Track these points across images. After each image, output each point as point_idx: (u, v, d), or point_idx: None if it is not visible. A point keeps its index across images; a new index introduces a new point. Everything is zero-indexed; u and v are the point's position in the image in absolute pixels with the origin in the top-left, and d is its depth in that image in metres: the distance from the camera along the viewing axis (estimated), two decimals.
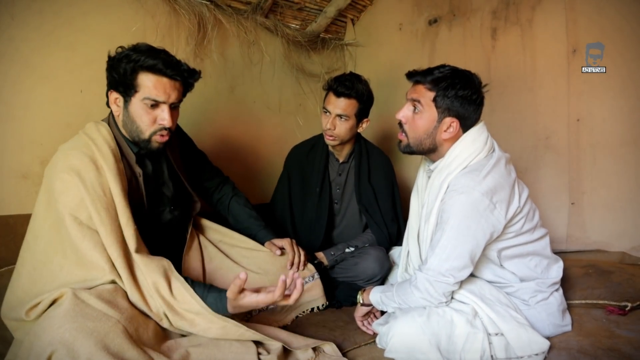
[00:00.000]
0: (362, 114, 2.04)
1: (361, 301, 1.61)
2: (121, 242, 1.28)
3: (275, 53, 2.77)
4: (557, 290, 1.52)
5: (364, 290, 1.62)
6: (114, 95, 1.40)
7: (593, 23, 2.24)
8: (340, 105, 1.97)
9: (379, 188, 2.17)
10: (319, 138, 2.20)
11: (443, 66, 1.46)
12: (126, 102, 1.38)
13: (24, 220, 1.71)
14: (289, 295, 1.28)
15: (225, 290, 1.30)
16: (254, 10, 2.56)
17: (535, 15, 2.41)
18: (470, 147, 1.41)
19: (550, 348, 1.37)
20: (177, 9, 2.22)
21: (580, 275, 1.87)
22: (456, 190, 1.35)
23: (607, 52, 2.20)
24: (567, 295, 1.60)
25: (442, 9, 2.79)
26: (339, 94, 1.97)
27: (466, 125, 1.44)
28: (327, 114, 2.01)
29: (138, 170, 1.47)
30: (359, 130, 2.12)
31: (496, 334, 1.33)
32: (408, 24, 2.96)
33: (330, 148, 2.17)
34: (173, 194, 1.62)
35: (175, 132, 1.61)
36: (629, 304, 1.64)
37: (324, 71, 3.01)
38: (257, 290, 1.28)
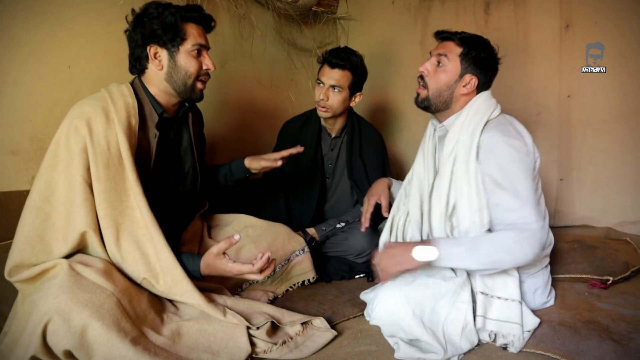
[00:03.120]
0: (355, 87, 2.05)
1: (419, 256, 1.33)
2: (114, 200, 1.29)
3: (267, 27, 2.73)
4: (546, 266, 1.56)
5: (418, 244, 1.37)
6: (154, 49, 1.42)
7: None
8: (334, 76, 1.99)
9: (370, 163, 2.19)
10: (312, 112, 2.21)
11: (465, 32, 1.56)
12: (172, 52, 1.43)
13: (14, 196, 1.73)
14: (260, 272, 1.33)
15: (195, 254, 1.37)
16: None
17: None
18: (489, 101, 1.53)
19: None
20: None
21: (566, 251, 1.91)
22: (491, 137, 1.42)
23: (599, 30, 2.19)
24: (552, 270, 1.63)
25: None
26: (333, 65, 1.99)
27: (481, 86, 1.54)
28: (321, 85, 2.02)
29: (154, 132, 1.47)
30: (351, 105, 2.12)
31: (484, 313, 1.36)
32: None
33: (322, 122, 2.18)
34: (185, 167, 1.63)
35: (197, 109, 1.73)
36: (611, 278, 1.69)
37: (316, 46, 2.97)
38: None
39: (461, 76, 1.51)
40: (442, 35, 1.58)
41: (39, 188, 1.27)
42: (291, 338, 1.32)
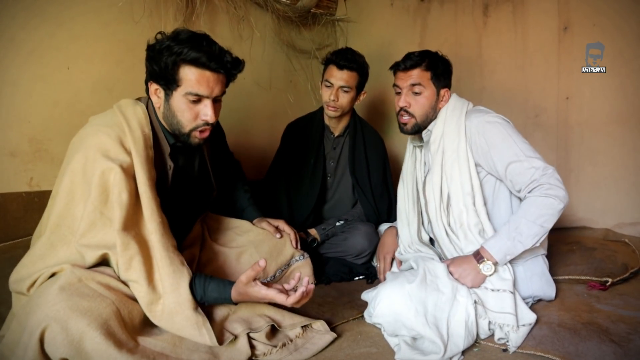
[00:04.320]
0: (360, 86, 2.11)
1: (489, 272, 1.42)
2: (130, 229, 1.21)
3: (266, 29, 2.73)
4: (540, 256, 1.58)
5: (479, 258, 1.44)
6: (154, 86, 1.33)
7: (584, 0, 2.23)
8: (343, 77, 2.04)
9: (372, 162, 2.22)
10: (316, 113, 2.26)
11: (413, 53, 1.68)
12: (167, 95, 1.32)
13: (12, 198, 1.72)
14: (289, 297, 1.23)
15: (225, 280, 1.30)
16: None
17: None
18: (460, 99, 1.68)
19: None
20: None
21: (565, 252, 1.92)
22: (478, 122, 1.55)
23: (597, 32, 2.20)
24: (552, 271, 1.64)
25: None
26: (341, 67, 2.03)
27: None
28: (330, 86, 2.06)
29: (170, 164, 1.40)
30: (356, 103, 2.17)
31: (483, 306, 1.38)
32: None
33: (326, 121, 2.21)
34: (197, 187, 1.58)
35: (215, 129, 1.55)
36: (610, 280, 1.69)
37: (314, 47, 2.97)
38: (267, 285, 1.25)
39: (438, 94, 1.67)
40: (404, 67, 1.67)
41: (62, 217, 1.23)
42: (291, 340, 1.32)
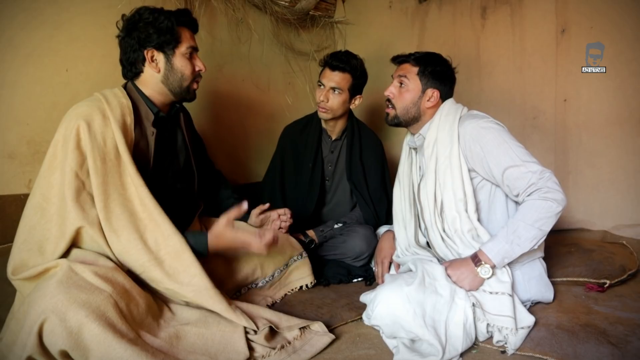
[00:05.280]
0: (355, 89, 2.10)
1: (487, 275, 1.42)
2: (112, 193, 1.32)
3: (264, 31, 2.73)
4: (538, 260, 1.59)
5: (477, 262, 1.43)
6: (150, 53, 1.48)
7: (583, 2, 2.24)
8: (334, 78, 2.04)
9: (369, 167, 2.21)
10: (313, 116, 2.24)
11: (418, 52, 1.72)
12: (168, 56, 1.49)
13: (11, 200, 1.72)
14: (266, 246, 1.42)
15: (205, 232, 1.45)
16: None
17: None
18: (455, 104, 1.68)
19: None
20: None
21: (563, 254, 1.92)
22: (472, 129, 1.54)
23: (594, 34, 2.20)
24: (549, 273, 1.65)
25: None
26: (333, 68, 2.04)
27: (444, 96, 1.70)
28: (322, 87, 2.07)
29: (152, 129, 1.52)
30: (351, 107, 2.16)
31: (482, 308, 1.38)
32: (398, 2, 2.94)
33: (323, 124, 2.20)
34: (181, 166, 1.66)
35: (185, 109, 1.78)
36: (608, 281, 1.69)
37: (313, 49, 2.98)
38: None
39: (423, 92, 1.67)
40: (398, 60, 1.74)
41: (40, 188, 1.31)
42: (289, 342, 1.32)
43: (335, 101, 2.05)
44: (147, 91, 1.53)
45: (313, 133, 2.20)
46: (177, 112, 1.65)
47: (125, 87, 1.53)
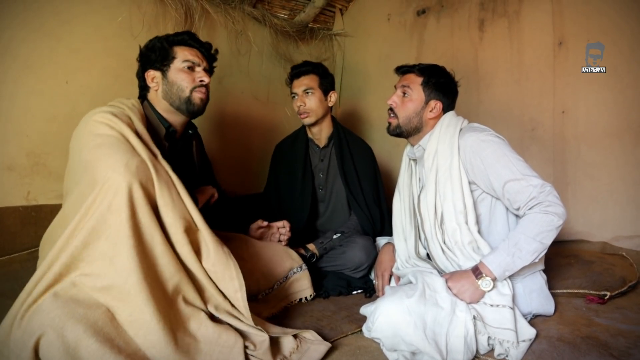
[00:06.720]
0: (325, 86, 2.19)
1: (488, 288, 1.41)
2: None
3: (263, 43, 2.76)
4: (538, 272, 1.58)
5: (478, 274, 1.42)
6: (150, 74, 1.58)
7: (579, 15, 2.26)
8: (302, 82, 2.17)
9: (362, 171, 2.24)
10: (300, 130, 2.31)
11: (422, 63, 1.74)
12: (164, 72, 1.57)
13: (9, 212, 1.71)
14: None
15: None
16: None
17: (523, 7, 2.42)
18: (456, 117, 1.68)
19: None
20: None
21: (563, 265, 1.92)
22: (472, 142, 1.53)
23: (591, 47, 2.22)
24: (550, 285, 1.64)
25: (431, 0, 2.80)
26: (298, 75, 2.18)
27: (446, 108, 1.70)
28: (295, 96, 2.17)
29: (164, 144, 1.58)
30: (329, 105, 2.22)
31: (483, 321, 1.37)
32: (396, 14, 2.97)
33: (309, 134, 2.25)
34: (192, 182, 1.66)
35: (198, 134, 1.83)
36: (608, 293, 1.69)
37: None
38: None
39: (426, 102, 1.67)
40: (403, 69, 1.76)
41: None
42: (286, 357, 1.30)
43: (311, 101, 2.14)
44: (158, 108, 1.61)
45: (300, 144, 2.27)
46: (189, 137, 1.74)
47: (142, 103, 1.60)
